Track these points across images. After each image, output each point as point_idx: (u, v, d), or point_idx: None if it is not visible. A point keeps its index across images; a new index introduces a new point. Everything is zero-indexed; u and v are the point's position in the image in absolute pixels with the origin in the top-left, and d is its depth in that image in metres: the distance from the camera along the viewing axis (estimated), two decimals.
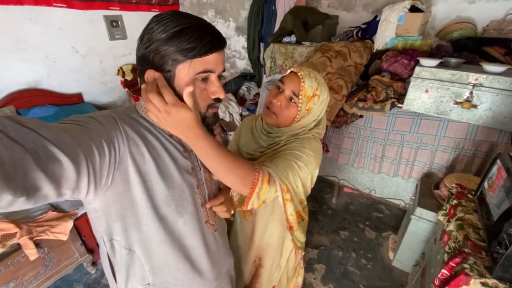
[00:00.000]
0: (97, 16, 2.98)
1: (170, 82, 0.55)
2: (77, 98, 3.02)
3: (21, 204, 0.36)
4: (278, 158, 0.75)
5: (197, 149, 0.59)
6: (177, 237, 0.65)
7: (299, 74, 0.79)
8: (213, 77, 0.57)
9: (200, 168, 0.69)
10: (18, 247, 1.41)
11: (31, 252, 1.39)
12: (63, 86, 2.90)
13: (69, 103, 2.92)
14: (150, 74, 0.55)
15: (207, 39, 0.53)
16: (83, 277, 1.78)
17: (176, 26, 0.52)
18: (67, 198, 0.45)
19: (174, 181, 0.61)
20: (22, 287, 1.46)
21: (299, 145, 0.79)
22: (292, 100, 0.80)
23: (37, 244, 1.45)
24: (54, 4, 2.56)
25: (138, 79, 0.62)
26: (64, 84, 2.91)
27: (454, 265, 0.87)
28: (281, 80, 0.83)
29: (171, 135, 0.63)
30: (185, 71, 0.54)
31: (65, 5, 2.64)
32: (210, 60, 0.55)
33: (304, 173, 0.75)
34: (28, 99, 2.64)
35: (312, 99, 0.80)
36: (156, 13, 0.56)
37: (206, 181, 0.71)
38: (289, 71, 0.83)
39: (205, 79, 0.57)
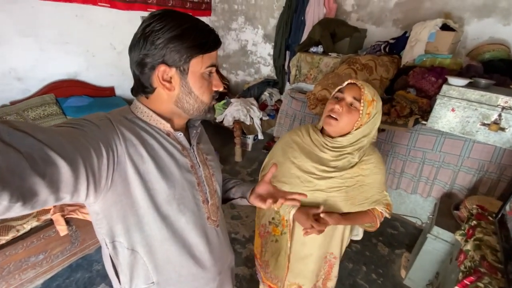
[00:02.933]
0: (135, 17, 3.18)
1: (183, 77, 0.58)
2: (110, 92, 3.22)
3: (17, 210, 0.35)
4: (374, 195, 0.98)
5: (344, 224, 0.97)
6: (180, 234, 0.65)
7: (358, 83, 0.89)
8: (214, 70, 0.62)
9: (199, 166, 0.69)
10: (50, 223, 1.54)
11: (62, 228, 1.51)
12: (98, 79, 3.11)
13: (103, 96, 3.12)
14: (162, 69, 0.56)
15: (213, 36, 0.58)
16: (102, 258, 1.88)
17: (185, 23, 0.55)
18: (66, 201, 0.44)
19: (174, 180, 0.62)
20: (49, 260, 1.58)
21: (377, 169, 0.97)
22: (353, 105, 0.89)
23: (67, 222, 1.57)
24: (99, 3, 2.77)
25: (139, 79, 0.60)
26: (100, 77, 3.12)
27: (468, 283, 0.87)
28: (339, 91, 0.92)
29: (168, 134, 0.63)
30: (198, 65, 0.58)
31: (109, 5, 2.85)
32: (214, 55, 0.60)
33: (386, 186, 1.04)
34: (67, 89, 2.85)
35: (372, 104, 0.88)
36: (153, 12, 0.56)
37: (206, 179, 0.71)
38: (346, 83, 0.92)
39: (209, 74, 0.61)
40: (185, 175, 0.64)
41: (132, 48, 0.57)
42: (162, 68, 0.56)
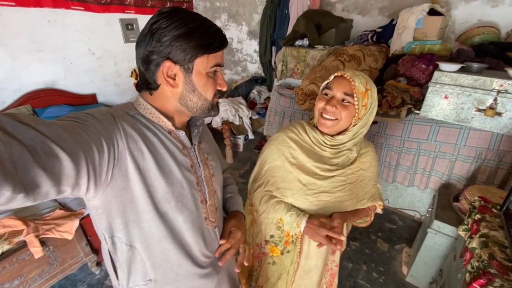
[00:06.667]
0: (113, 19, 3.04)
1: (187, 75, 0.58)
2: (91, 99, 3.07)
3: (20, 201, 0.36)
4: (371, 188, 0.96)
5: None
6: (177, 233, 0.65)
7: (346, 75, 0.80)
8: (219, 70, 0.62)
9: (199, 166, 0.69)
10: (24, 244, 1.42)
11: (36, 250, 1.39)
12: (78, 87, 2.96)
13: (84, 104, 2.97)
14: (167, 66, 0.56)
15: (220, 36, 0.58)
16: (87, 277, 1.77)
17: (192, 22, 0.55)
18: (67, 195, 0.45)
19: (173, 177, 0.62)
20: (26, 285, 1.46)
21: (374, 162, 0.95)
22: (345, 101, 0.81)
23: (43, 242, 1.45)
24: (72, 7, 2.63)
25: (138, 76, 0.61)
26: (79, 84, 2.97)
27: (478, 286, 0.78)
28: (327, 87, 0.84)
29: (170, 132, 0.64)
30: (203, 65, 0.58)
31: (83, 8, 2.71)
32: (220, 55, 0.60)
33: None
34: (45, 98, 2.70)
35: (366, 94, 0.81)
36: (161, 10, 0.56)
37: (206, 179, 0.71)
38: (332, 76, 0.83)
39: (214, 72, 0.61)
40: (185, 174, 0.64)
41: (138, 44, 0.57)
42: (167, 64, 0.56)
